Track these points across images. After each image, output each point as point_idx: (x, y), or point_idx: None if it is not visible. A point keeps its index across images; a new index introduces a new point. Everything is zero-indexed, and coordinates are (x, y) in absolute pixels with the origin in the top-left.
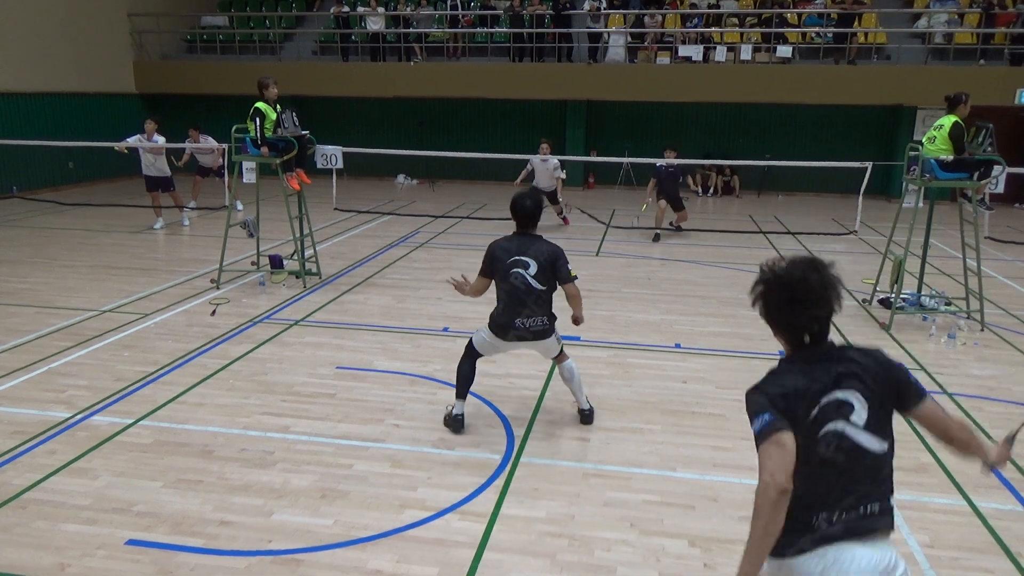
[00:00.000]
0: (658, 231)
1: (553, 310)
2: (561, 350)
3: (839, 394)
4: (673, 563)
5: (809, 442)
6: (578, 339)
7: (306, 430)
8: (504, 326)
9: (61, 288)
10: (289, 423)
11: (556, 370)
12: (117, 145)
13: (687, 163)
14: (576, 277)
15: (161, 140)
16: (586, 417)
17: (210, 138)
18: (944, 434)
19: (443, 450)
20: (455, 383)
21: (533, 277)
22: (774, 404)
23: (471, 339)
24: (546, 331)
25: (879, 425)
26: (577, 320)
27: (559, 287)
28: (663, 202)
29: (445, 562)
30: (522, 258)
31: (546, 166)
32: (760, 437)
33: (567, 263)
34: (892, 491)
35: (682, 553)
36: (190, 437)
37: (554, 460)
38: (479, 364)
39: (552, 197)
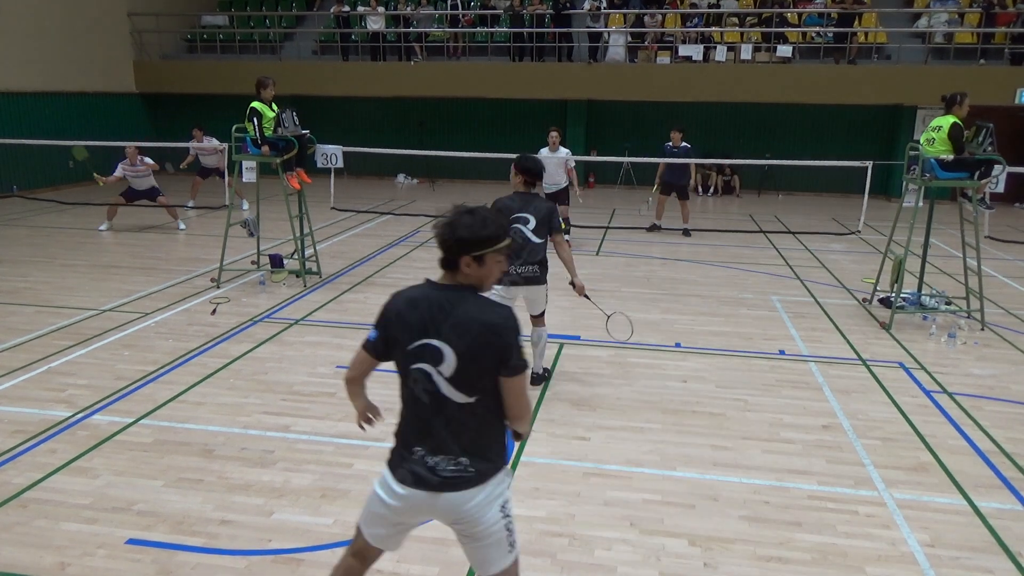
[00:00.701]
0: (657, 223)
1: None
2: (543, 313)
3: (435, 342)
4: (673, 562)
5: (404, 369)
6: (578, 338)
7: (306, 429)
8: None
9: (61, 287)
10: (289, 422)
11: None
12: (103, 180)
13: (689, 162)
14: (568, 231)
15: (149, 161)
16: (537, 379)
17: (214, 139)
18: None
19: None
20: None
21: (532, 231)
22: (386, 320)
23: None
24: (538, 278)
25: (467, 381)
26: (576, 285)
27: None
28: (663, 196)
29: (445, 561)
30: (522, 215)
31: (556, 158)
32: (363, 343)
33: (559, 217)
34: (481, 453)
35: (682, 552)
36: (190, 436)
37: (554, 459)
38: None
39: (562, 197)
